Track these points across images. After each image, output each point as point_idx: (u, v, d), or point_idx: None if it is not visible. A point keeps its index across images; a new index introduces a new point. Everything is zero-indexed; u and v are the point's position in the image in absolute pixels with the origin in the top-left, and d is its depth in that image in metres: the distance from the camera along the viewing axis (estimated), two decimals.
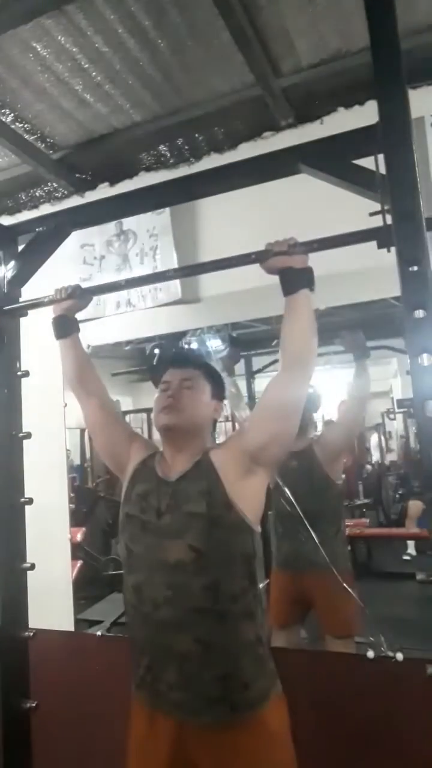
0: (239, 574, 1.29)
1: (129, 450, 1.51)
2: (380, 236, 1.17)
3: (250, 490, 1.33)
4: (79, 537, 4.70)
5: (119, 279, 2.65)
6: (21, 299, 1.74)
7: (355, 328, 2.64)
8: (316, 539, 2.31)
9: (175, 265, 2.55)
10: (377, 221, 1.20)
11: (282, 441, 1.35)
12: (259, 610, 1.32)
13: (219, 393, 1.50)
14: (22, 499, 1.65)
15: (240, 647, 1.26)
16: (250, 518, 1.31)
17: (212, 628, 1.25)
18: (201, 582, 1.26)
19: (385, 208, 1.18)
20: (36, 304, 1.62)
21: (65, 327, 1.60)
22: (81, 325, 1.62)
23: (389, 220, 1.15)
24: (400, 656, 1.44)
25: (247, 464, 1.31)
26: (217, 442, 1.56)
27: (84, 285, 1.59)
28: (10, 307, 1.64)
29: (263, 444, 1.31)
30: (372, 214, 1.21)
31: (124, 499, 1.44)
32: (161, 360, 1.50)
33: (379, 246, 1.19)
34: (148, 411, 4.09)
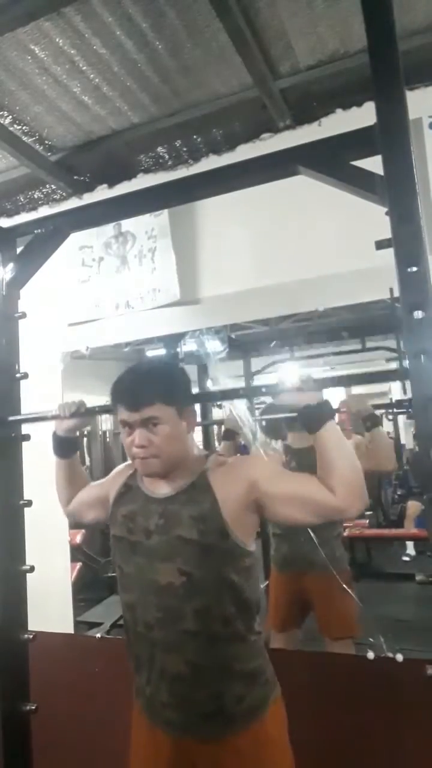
0: (232, 598, 1.26)
1: (105, 496, 1.49)
2: (397, 377, 1.15)
3: (249, 519, 1.30)
4: (78, 539, 4.68)
5: (118, 281, 2.67)
6: (20, 300, 1.74)
7: (359, 397, 2.59)
8: (315, 540, 2.31)
9: (174, 266, 2.55)
10: (384, 224, 1.20)
11: (299, 524, 1.33)
12: (253, 631, 1.29)
13: (186, 402, 1.34)
14: (21, 501, 1.65)
15: (232, 668, 1.25)
16: (246, 542, 1.28)
17: (203, 651, 1.23)
18: (192, 605, 1.23)
19: (402, 350, 1.15)
20: (39, 418, 1.59)
21: (66, 449, 1.60)
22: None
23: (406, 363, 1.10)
24: (399, 657, 1.44)
25: (253, 504, 1.27)
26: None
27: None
28: (14, 418, 1.60)
29: (280, 515, 1.29)
30: (388, 361, 1.21)
31: (111, 521, 1.42)
32: (112, 395, 1.38)
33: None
34: None
